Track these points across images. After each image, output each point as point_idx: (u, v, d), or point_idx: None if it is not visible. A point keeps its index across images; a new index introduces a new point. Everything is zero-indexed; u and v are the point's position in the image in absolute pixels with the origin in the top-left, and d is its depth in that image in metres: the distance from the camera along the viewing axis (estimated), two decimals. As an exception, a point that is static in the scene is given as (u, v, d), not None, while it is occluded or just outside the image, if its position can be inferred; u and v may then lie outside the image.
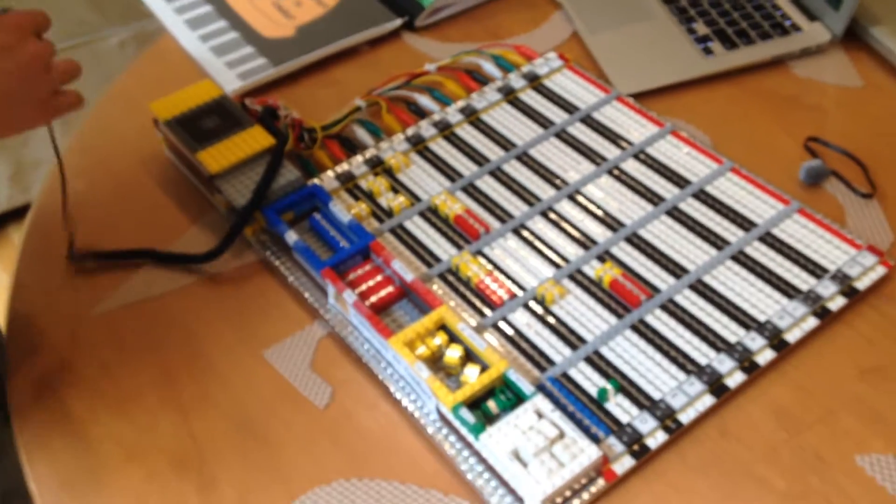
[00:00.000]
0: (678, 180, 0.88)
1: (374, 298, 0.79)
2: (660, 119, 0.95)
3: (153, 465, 0.72)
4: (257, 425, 0.74)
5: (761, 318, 0.76)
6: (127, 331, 0.81)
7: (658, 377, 0.73)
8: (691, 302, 0.78)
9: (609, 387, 0.72)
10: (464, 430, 0.68)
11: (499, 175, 0.91)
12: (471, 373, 0.72)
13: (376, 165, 0.92)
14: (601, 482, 0.67)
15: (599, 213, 0.86)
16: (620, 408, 0.71)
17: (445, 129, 0.96)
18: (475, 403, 0.70)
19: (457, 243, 0.85)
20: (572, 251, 0.83)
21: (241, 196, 0.85)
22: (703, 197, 0.87)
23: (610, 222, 0.85)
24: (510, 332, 0.77)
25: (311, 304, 0.81)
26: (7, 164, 1.95)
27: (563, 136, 0.94)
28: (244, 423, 0.74)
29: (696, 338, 0.75)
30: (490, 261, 0.83)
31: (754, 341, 0.74)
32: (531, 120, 0.96)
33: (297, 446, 0.72)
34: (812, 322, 0.76)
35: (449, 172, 0.91)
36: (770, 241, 0.82)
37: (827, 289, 0.78)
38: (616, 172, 0.90)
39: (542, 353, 0.75)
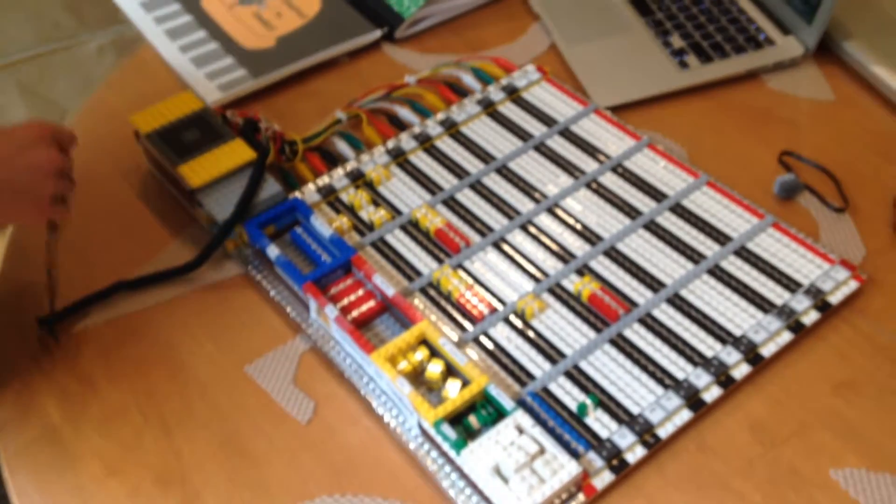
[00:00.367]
0: (655, 194, 0.90)
1: (355, 313, 0.80)
2: (636, 132, 0.96)
3: (137, 481, 0.72)
4: (241, 441, 0.74)
5: (737, 332, 0.78)
6: (111, 346, 0.81)
7: (636, 392, 0.74)
8: (668, 316, 0.79)
9: (588, 402, 0.73)
10: (445, 446, 0.69)
11: (478, 188, 0.92)
12: (452, 388, 0.73)
13: (357, 178, 0.93)
14: (581, 497, 0.68)
15: (578, 226, 0.87)
16: (600, 423, 0.72)
17: (426, 142, 0.96)
18: (457, 419, 0.71)
19: (437, 257, 0.85)
20: (551, 265, 0.84)
21: (223, 210, 0.86)
22: (680, 211, 0.88)
23: (588, 236, 0.86)
24: (490, 346, 0.78)
25: (294, 319, 0.82)
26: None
27: (542, 149, 0.95)
28: (227, 439, 0.74)
29: (674, 352, 0.77)
30: (470, 274, 0.84)
31: (730, 356, 0.76)
32: (510, 133, 0.97)
33: (280, 462, 0.73)
34: (786, 336, 0.77)
35: (429, 185, 0.92)
36: (745, 255, 0.84)
37: (801, 303, 0.79)
38: (594, 186, 0.91)
39: (522, 368, 0.76)
